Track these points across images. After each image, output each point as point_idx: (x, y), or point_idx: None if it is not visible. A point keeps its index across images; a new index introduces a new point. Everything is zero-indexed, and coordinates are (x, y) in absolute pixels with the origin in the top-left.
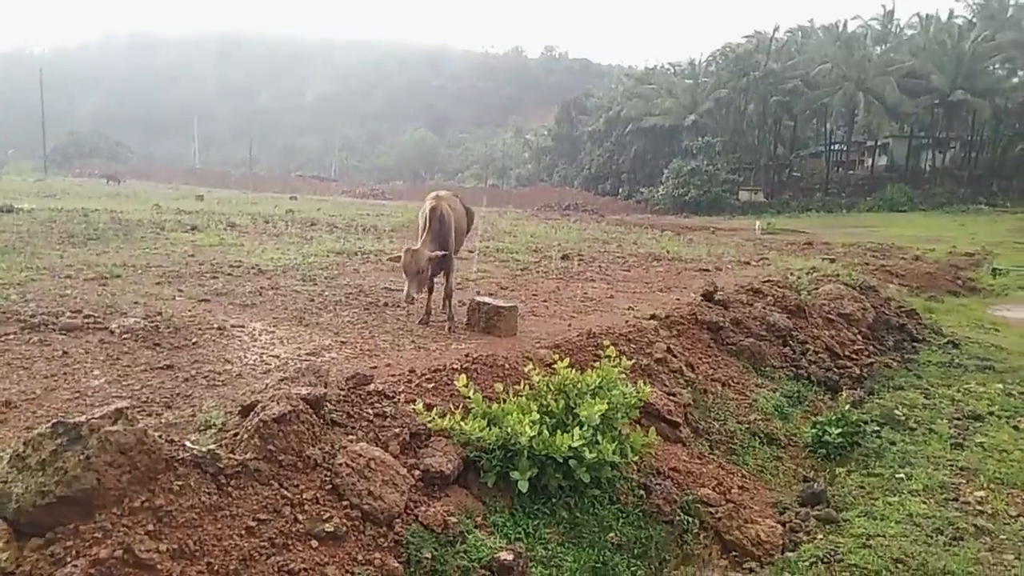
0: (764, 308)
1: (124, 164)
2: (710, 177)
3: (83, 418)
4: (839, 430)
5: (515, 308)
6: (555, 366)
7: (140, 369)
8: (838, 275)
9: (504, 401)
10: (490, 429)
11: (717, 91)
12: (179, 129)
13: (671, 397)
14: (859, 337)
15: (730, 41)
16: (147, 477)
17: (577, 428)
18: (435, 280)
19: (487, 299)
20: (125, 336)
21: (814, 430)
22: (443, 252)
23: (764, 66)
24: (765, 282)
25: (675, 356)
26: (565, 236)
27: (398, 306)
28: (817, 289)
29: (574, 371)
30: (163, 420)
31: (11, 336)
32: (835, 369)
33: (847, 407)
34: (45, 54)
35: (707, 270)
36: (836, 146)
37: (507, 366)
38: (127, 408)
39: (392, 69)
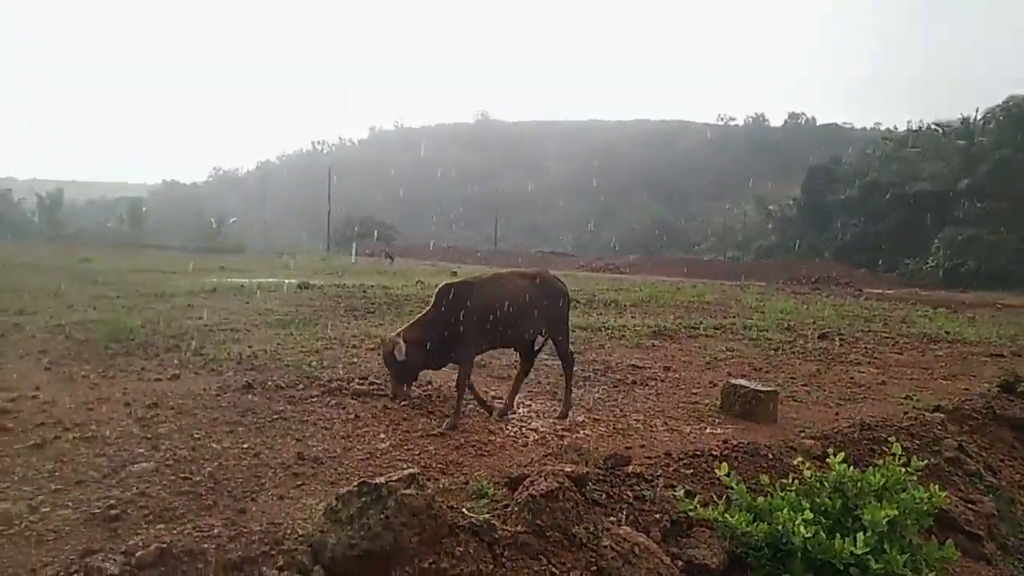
0: None
1: (389, 243)
2: (992, 247)
3: (383, 480)
4: None
5: (775, 393)
6: (827, 460)
7: (418, 435)
8: None
9: (771, 495)
10: (757, 524)
11: (1000, 151)
12: (433, 210)
13: (969, 505)
14: None
15: (1015, 93)
16: (433, 540)
17: (860, 532)
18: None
19: (743, 382)
20: (403, 403)
21: None
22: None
23: None
24: None
25: (970, 456)
26: (819, 312)
27: (645, 384)
28: None
29: (850, 468)
30: (440, 485)
31: (315, 399)
32: None
33: None
34: (333, 151)
35: (1001, 355)
36: None
37: (770, 456)
38: (418, 473)
39: (627, 146)
